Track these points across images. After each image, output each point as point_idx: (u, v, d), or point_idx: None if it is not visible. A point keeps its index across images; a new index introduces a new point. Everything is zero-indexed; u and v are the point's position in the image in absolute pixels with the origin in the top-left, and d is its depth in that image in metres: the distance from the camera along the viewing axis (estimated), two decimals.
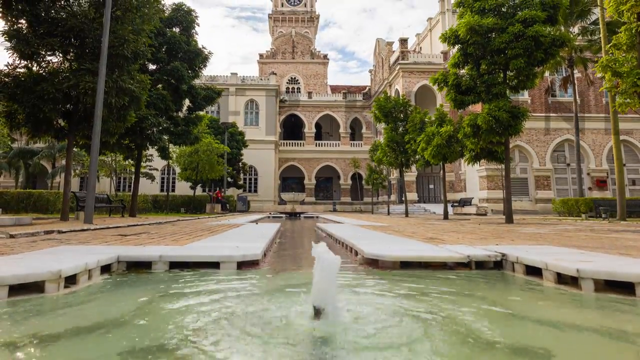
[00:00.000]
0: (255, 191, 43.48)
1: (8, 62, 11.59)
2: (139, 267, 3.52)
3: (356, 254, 4.52)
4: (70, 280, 2.78)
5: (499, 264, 3.79)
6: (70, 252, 3.65)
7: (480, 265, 3.79)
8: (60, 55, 12.30)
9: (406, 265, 3.77)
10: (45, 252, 3.63)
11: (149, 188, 34.50)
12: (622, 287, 2.72)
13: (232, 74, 45.22)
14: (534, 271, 3.37)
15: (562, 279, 3.05)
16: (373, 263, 3.90)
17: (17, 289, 2.49)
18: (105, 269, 3.33)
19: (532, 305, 2.55)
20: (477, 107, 15.73)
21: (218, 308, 2.27)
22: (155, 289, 2.83)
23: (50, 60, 12.35)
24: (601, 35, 17.13)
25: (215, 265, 3.57)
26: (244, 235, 6.39)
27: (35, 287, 2.56)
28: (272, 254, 4.97)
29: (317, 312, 1.97)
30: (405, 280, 3.26)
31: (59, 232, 6.66)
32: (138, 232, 7.04)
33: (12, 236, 5.52)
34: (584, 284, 2.79)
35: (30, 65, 11.81)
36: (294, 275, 3.52)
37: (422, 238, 6.03)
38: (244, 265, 3.69)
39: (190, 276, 3.27)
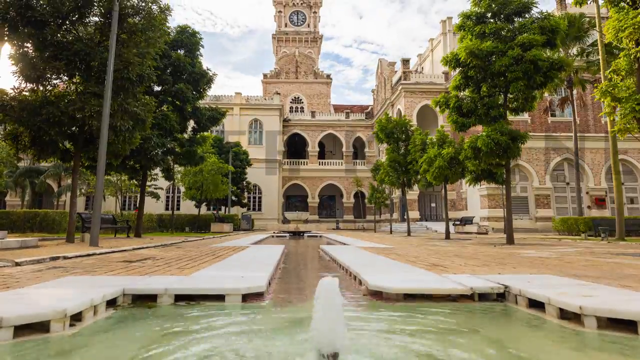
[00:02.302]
0: (259, 209, 43.57)
1: (14, 86, 11.70)
2: (145, 299, 3.55)
3: (360, 282, 4.54)
4: (76, 317, 2.80)
5: (501, 295, 3.81)
6: (75, 285, 3.69)
7: (483, 296, 3.80)
8: (66, 78, 12.44)
9: (410, 296, 3.79)
10: (50, 286, 3.67)
11: (154, 207, 34.62)
12: (625, 324, 2.73)
13: (236, 93, 45.77)
14: (536, 304, 3.38)
15: (565, 313, 3.06)
16: (377, 294, 3.92)
17: (22, 328, 2.50)
18: (111, 302, 3.36)
19: (536, 345, 2.55)
20: (478, 128, 15.89)
21: (225, 350, 2.30)
22: (162, 326, 2.85)
23: (56, 83, 12.50)
24: (600, 59, 17.41)
25: (220, 297, 3.59)
26: (248, 261, 6.41)
27: (40, 327, 2.56)
28: (276, 281, 4.98)
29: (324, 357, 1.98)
30: (409, 314, 3.27)
31: (65, 257, 6.71)
32: (143, 257, 7.08)
33: (17, 264, 5.56)
34: (587, 320, 2.80)
35: (36, 88, 11.92)
36: (299, 308, 3.54)
37: (425, 264, 6.04)
38: (249, 297, 3.71)
39: (196, 311, 3.29)
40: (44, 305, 2.75)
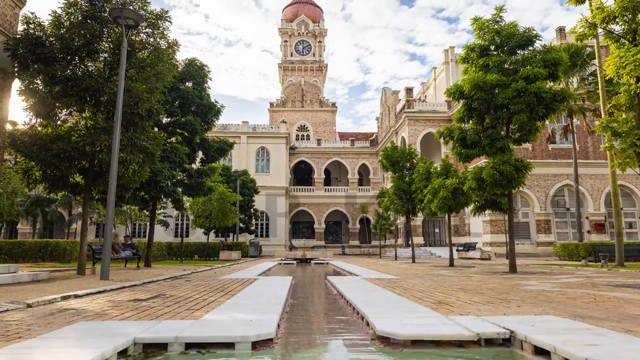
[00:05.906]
0: (267, 236, 43.70)
1: (25, 121, 11.91)
2: (155, 347, 3.62)
3: (368, 324, 4.60)
4: None
5: (507, 339, 3.86)
6: (86, 334, 3.76)
7: (489, 341, 3.85)
8: (76, 113, 12.64)
9: (417, 341, 3.84)
10: (61, 336, 3.72)
11: (163, 235, 34.85)
12: None
13: (243, 122, 46.45)
14: (542, 351, 3.43)
15: None
16: (385, 339, 3.98)
17: None
18: (122, 351, 3.43)
19: None
20: (481, 158, 16.06)
21: None
22: None
23: (66, 118, 12.70)
24: (600, 92, 17.82)
25: (230, 345, 3.66)
26: (257, 299, 6.49)
27: None
28: (285, 321, 5.06)
29: None
30: None
31: (76, 296, 6.81)
32: (153, 295, 7.16)
33: (29, 305, 5.67)
34: None
35: (46, 123, 12.11)
36: (309, 356, 3.60)
37: (430, 301, 6.09)
38: (259, 343, 3.78)
39: None
40: None
